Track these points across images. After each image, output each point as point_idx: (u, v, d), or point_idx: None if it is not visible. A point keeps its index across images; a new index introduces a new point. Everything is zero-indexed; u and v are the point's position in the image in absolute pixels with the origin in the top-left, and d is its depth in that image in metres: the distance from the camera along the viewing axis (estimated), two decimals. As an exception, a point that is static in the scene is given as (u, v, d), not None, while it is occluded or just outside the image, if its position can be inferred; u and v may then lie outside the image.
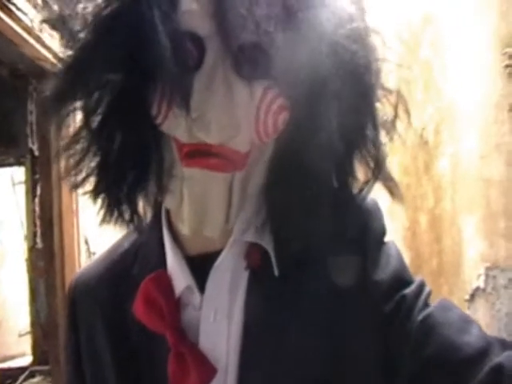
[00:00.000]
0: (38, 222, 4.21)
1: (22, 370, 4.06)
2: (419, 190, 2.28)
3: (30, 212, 4.24)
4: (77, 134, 0.56)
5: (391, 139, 0.58)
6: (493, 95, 1.99)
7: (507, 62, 1.91)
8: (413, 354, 0.52)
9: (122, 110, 0.53)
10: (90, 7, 0.52)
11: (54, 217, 2.91)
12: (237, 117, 0.50)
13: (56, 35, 2.05)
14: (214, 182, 0.51)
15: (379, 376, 0.54)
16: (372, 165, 0.58)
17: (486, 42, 2.01)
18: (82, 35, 0.52)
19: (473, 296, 2.06)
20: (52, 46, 2.19)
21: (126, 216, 0.57)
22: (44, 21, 0.55)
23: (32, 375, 4.02)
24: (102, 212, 0.57)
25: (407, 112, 0.57)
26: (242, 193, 0.54)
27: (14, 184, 4.63)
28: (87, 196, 0.58)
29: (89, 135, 0.56)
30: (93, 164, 0.56)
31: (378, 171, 0.58)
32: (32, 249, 4.23)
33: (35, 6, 2.24)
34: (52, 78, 0.54)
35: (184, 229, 0.54)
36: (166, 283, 0.58)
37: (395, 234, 2.19)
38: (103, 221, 0.58)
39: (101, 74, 0.52)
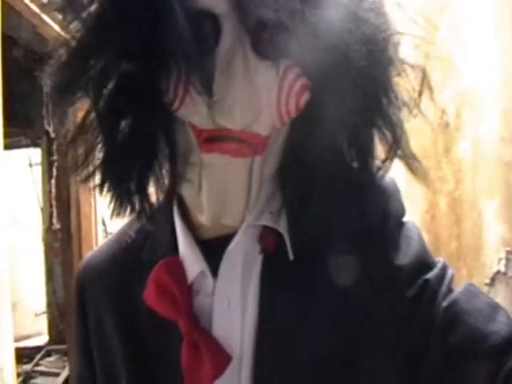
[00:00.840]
0: (54, 203, 4.26)
1: (38, 349, 4.13)
2: (439, 172, 2.26)
3: (46, 193, 4.28)
4: (84, 123, 0.54)
5: (414, 116, 0.56)
6: (515, 77, 1.97)
7: (530, 43, 1.88)
8: (438, 341, 0.51)
9: (132, 95, 0.50)
10: None
11: (71, 197, 2.93)
12: (258, 99, 0.48)
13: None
14: (234, 167, 0.50)
15: (401, 360, 0.53)
16: (390, 141, 0.56)
17: (507, 25, 1.98)
18: (89, 14, 0.50)
19: (493, 280, 2.06)
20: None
21: (137, 206, 0.55)
22: (52, 2, 0.52)
23: (48, 354, 4.09)
24: (112, 204, 0.56)
25: (430, 88, 0.55)
26: (261, 178, 0.52)
27: (31, 165, 4.67)
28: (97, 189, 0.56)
29: (97, 123, 0.53)
30: (102, 154, 0.54)
31: (397, 147, 0.56)
32: (48, 230, 4.27)
33: (52, -14, 2.23)
34: (58, 63, 0.52)
35: (203, 218, 0.52)
36: (178, 269, 0.57)
37: (414, 216, 2.17)
38: (114, 213, 0.56)
39: (110, 58, 0.50)
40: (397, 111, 0.55)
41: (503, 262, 2.02)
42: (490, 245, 2.10)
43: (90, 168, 0.55)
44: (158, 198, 0.58)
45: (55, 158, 4.15)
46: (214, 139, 0.49)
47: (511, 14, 1.97)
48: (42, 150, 4.38)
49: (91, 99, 0.53)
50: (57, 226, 4.17)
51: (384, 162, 0.56)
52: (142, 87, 0.49)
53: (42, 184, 4.41)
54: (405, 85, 0.55)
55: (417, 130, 2.21)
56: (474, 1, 2.17)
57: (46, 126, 4.14)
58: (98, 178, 0.55)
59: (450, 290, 0.53)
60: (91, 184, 0.56)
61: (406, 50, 0.55)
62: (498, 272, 2.04)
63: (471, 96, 2.20)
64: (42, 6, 2.14)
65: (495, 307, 0.52)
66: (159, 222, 0.60)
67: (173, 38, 0.45)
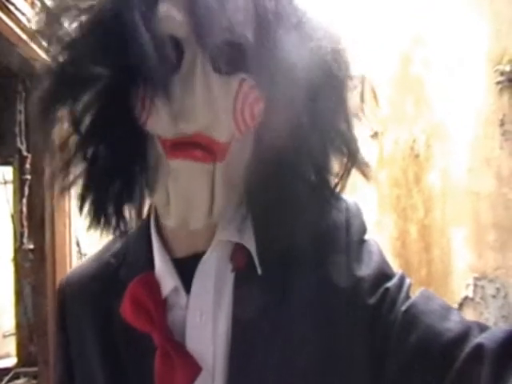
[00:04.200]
0: (25, 223, 4.18)
1: (5, 370, 4.03)
2: (409, 201, 2.31)
3: (18, 212, 4.21)
4: (64, 138, 0.59)
5: (361, 127, 0.61)
6: (483, 111, 2.03)
7: (499, 78, 1.96)
8: (398, 342, 0.55)
9: (107, 114, 0.56)
10: (76, 12, 0.56)
11: (46, 217, 2.90)
12: (214, 107, 0.53)
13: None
14: (196, 172, 0.54)
15: (367, 366, 0.57)
16: (346, 155, 0.60)
17: (479, 59, 2.05)
18: (68, 42, 0.56)
19: (461, 305, 2.10)
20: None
21: (113, 221, 0.60)
22: (37, 30, 0.59)
23: (16, 377, 3.98)
24: (89, 217, 0.60)
25: (375, 96, 0.61)
26: (225, 186, 0.56)
27: (5, 182, 4.59)
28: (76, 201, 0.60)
29: (76, 139, 0.58)
30: (80, 167, 0.59)
31: (353, 161, 0.61)
32: (18, 249, 4.19)
33: (32, 6, 2.25)
34: (40, 81, 0.58)
35: (170, 222, 0.57)
36: (153, 284, 0.61)
37: (385, 242, 2.22)
38: (90, 226, 0.61)
39: (86, 75, 0.56)
40: (350, 126, 0.60)
41: (471, 287, 2.06)
42: (458, 271, 2.13)
43: (69, 179, 0.60)
44: (131, 214, 0.63)
45: (27, 176, 4.09)
46: (177, 146, 0.54)
47: (485, 50, 2.03)
48: (14, 169, 4.31)
49: (70, 115, 0.58)
50: (28, 245, 4.10)
51: (342, 174, 0.61)
52: (115, 106, 0.56)
53: (13, 203, 4.33)
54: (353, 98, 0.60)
55: (389, 160, 2.26)
56: (446, 35, 2.24)
57: (19, 144, 4.08)
58: (78, 197, 0.60)
59: (407, 297, 0.58)
60: (67, 207, 0.61)
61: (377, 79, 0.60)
62: (466, 297, 2.08)
63: (441, 127, 2.26)
64: (23, 27, 2.15)
65: (448, 308, 0.57)
66: (139, 237, 0.65)
67: (137, 55, 0.51)
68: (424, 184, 2.30)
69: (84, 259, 2.89)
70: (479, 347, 0.50)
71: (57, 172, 0.60)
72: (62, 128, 0.60)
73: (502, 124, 1.93)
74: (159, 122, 0.54)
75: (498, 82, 1.94)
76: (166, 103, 0.52)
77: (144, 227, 0.65)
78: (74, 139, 0.59)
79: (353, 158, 0.61)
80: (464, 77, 2.14)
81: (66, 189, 0.61)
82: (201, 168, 0.54)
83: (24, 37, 2.20)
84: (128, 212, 0.62)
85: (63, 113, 0.58)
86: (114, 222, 0.61)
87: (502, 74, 1.93)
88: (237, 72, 0.55)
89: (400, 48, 2.39)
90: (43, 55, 2.20)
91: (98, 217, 0.60)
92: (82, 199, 0.60)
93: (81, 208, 0.60)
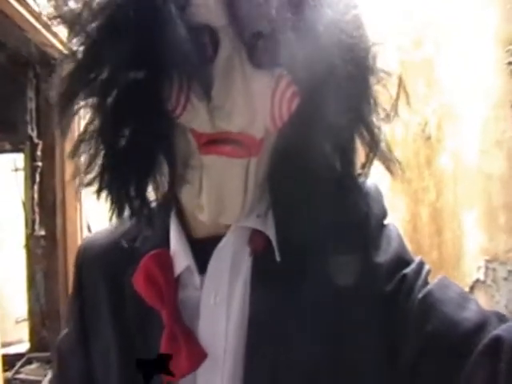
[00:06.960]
0: (36, 209, 4.21)
1: (19, 356, 4.07)
2: (421, 183, 2.30)
3: (29, 199, 4.24)
4: (86, 131, 0.57)
5: (391, 121, 0.59)
6: (494, 92, 2.01)
7: (510, 59, 1.94)
8: (414, 331, 0.53)
9: (134, 104, 0.53)
10: (104, 1, 0.52)
11: (57, 203, 2.93)
12: (254, 105, 0.51)
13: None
14: (232, 168, 0.53)
15: (383, 353, 0.55)
16: (370, 145, 0.59)
17: (489, 40, 2.03)
18: (93, 29, 0.53)
19: (472, 288, 2.09)
20: (59, 33, 2.19)
21: (136, 210, 0.58)
22: (57, 16, 0.55)
23: (29, 362, 4.02)
24: (112, 208, 0.59)
25: (406, 94, 0.59)
26: (256, 179, 0.55)
27: (16, 170, 4.61)
28: (95, 193, 0.58)
29: (99, 131, 0.56)
30: (103, 161, 0.57)
31: (376, 149, 0.59)
32: (30, 236, 4.22)
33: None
34: (62, 74, 0.55)
35: (203, 217, 0.55)
36: (166, 261, 0.60)
37: (396, 226, 2.18)
38: (113, 215, 0.59)
39: (113, 68, 0.53)
40: (376, 116, 0.58)
41: (482, 270, 2.05)
42: (469, 254, 2.13)
43: (94, 174, 0.58)
44: (157, 198, 0.61)
45: (38, 163, 4.11)
46: (213, 142, 0.52)
47: (496, 30, 2.01)
48: (25, 156, 4.32)
49: (95, 108, 0.56)
50: (39, 232, 4.12)
51: (365, 164, 0.60)
52: (143, 96, 0.52)
53: (24, 190, 4.35)
54: (384, 92, 0.58)
55: (400, 142, 2.25)
56: (456, 17, 2.22)
57: (30, 132, 4.10)
58: (97, 184, 0.57)
59: (425, 283, 0.56)
60: (78, 187, 0.59)
61: (389, 62, 0.59)
62: (477, 280, 2.07)
63: (452, 109, 2.25)
64: (34, 13, 2.15)
65: (466, 296, 0.56)
66: (158, 212, 0.63)
67: (175, 49, 0.48)
68: (435, 166, 2.28)
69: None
70: (497, 339, 0.48)
71: (79, 167, 0.58)
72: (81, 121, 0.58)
73: (513, 105, 1.91)
74: (195, 117, 0.52)
75: (509, 63, 1.92)
76: (203, 98, 0.50)
77: (164, 201, 0.63)
78: (96, 130, 0.57)
79: (376, 148, 0.59)
80: (475, 58, 2.12)
81: (88, 184, 0.58)
82: (236, 163, 0.53)
83: (35, 23, 2.20)
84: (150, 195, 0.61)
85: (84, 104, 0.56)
86: (136, 207, 0.58)
87: (513, 54, 1.91)
88: (274, 66, 0.53)
89: (411, 30, 2.37)
90: (55, 42, 2.19)
91: (121, 202, 0.58)
92: (104, 183, 0.57)
93: (100, 192, 0.58)
